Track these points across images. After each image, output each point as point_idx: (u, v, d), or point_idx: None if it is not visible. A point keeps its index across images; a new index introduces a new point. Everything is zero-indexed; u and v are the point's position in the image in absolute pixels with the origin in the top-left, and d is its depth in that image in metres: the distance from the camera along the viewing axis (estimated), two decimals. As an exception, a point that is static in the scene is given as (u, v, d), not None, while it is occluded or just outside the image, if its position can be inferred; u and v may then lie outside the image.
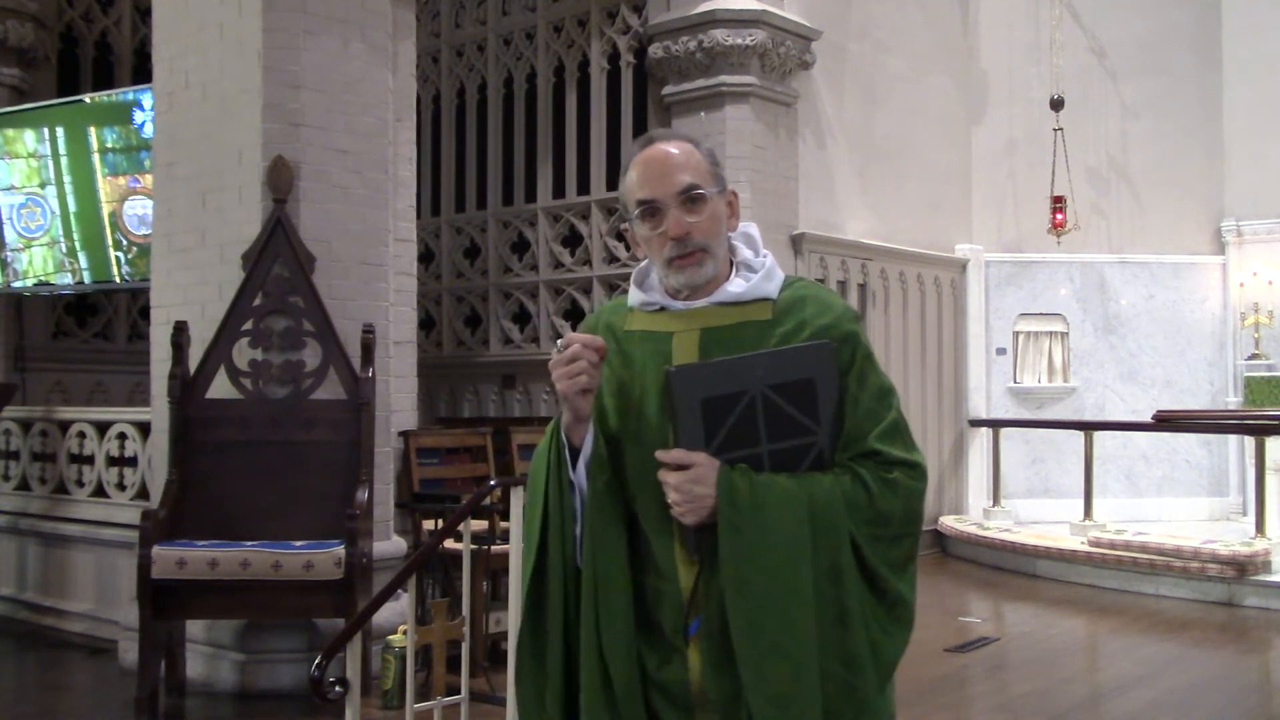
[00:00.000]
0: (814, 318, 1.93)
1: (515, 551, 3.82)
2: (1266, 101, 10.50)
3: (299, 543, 4.99)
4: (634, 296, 2.04)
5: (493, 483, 4.40)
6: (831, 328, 1.92)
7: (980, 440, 10.49)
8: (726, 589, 1.82)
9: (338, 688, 3.65)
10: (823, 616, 1.83)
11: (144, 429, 6.21)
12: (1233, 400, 10.51)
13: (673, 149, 1.95)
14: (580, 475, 1.93)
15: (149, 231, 6.42)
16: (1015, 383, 10.65)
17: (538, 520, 1.96)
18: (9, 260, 7.63)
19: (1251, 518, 8.56)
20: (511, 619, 3.81)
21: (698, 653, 1.88)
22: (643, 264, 2.06)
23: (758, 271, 1.98)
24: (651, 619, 1.93)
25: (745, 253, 2.02)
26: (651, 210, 1.93)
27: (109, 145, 7.13)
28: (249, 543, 4.94)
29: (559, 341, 1.87)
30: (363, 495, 5.14)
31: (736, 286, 1.96)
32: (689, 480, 1.83)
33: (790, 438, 1.87)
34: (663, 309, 1.99)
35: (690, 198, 1.91)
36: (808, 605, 1.81)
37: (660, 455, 1.86)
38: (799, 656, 1.80)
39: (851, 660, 1.84)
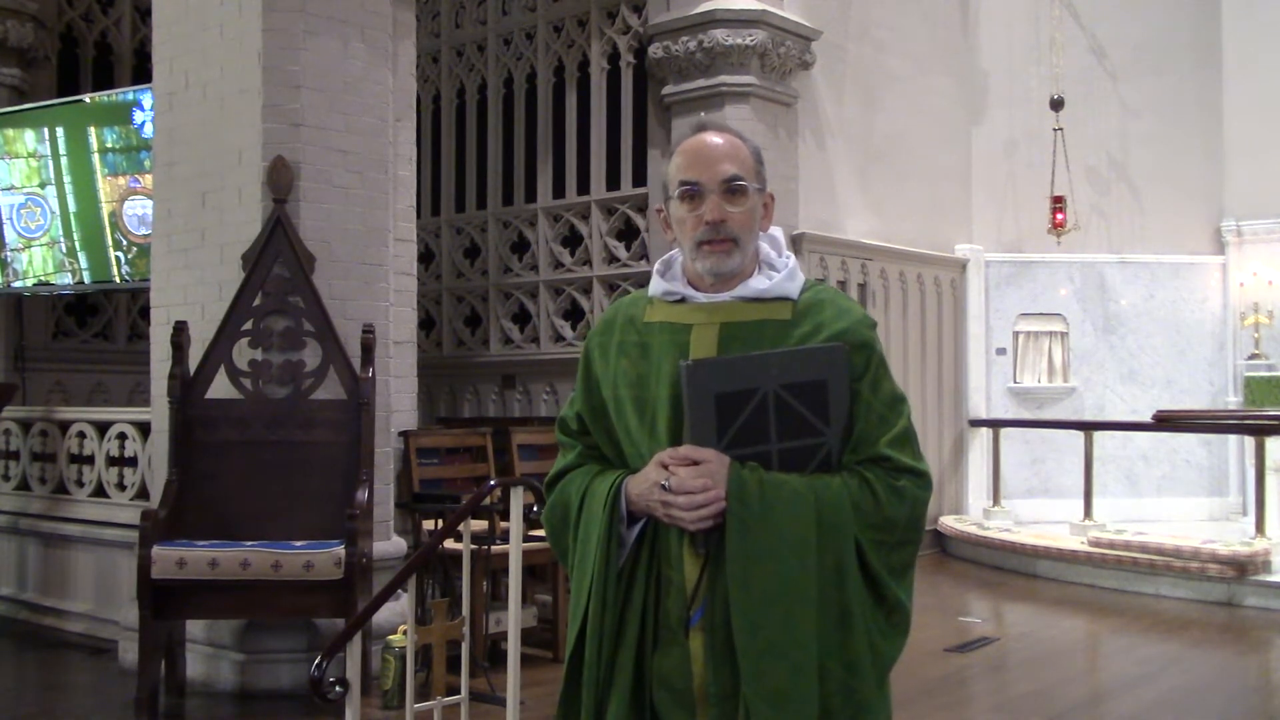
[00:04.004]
0: (831, 322, 1.96)
1: (515, 551, 3.82)
2: (1266, 101, 10.50)
3: (299, 543, 4.99)
4: (655, 286, 2.06)
5: (493, 483, 4.39)
6: (848, 333, 1.95)
7: (980, 440, 10.49)
8: (730, 585, 1.84)
9: (338, 688, 3.65)
10: (825, 617, 1.85)
11: (144, 429, 6.21)
12: (1233, 400, 10.50)
13: (722, 139, 1.99)
14: (628, 536, 1.95)
15: (149, 231, 6.42)
16: (1015, 383, 10.65)
17: (585, 589, 1.97)
18: (9, 260, 7.63)
19: (1251, 518, 8.55)
20: (511, 619, 3.81)
21: (699, 644, 1.90)
22: (667, 255, 2.09)
23: (780, 271, 2.01)
24: (660, 607, 1.94)
25: (769, 252, 2.05)
26: (692, 193, 1.96)
27: (109, 145, 7.13)
28: (249, 543, 4.94)
29: (671, 481, 1.87)
30: (363, 495, 5.14)
31: (760, 283, 1.99)
32: (700, 476, 1.85)
33: (800, 437, 1.89)
34: (683, 300, 2.01)
35: (732, 188, 1.95)
36: (810, 605, 1.84)
37: (671, 452, 1.88)
38: (797, 656, 1.82)
39: (853, 663, 1.86)
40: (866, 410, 1.93)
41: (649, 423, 1.96)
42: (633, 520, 1.94)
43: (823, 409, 1.89)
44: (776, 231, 2.07)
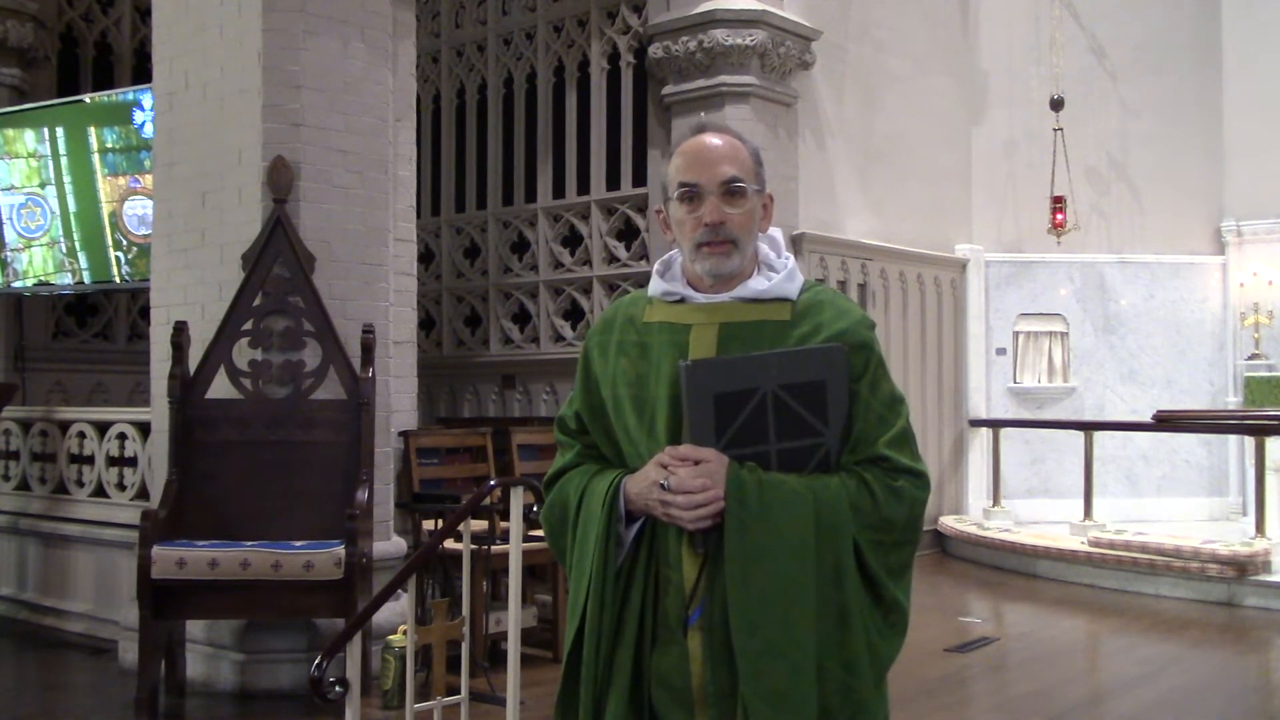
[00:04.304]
0: (831, 322, 1.96)
1: (515, 551, 3.82)
2: (1266, 101, 10.50)
3: (299, 543, 4.99)
4: (655, 286, 2.06)
5: (493, 483, 4.39)
6: (847, 333, 1.95)
7: (980, 440, 10.49)
8: (729, 585, 1.84)
9: (338, 688, 3.65)
10: (824, 617, 1.86)
11: (144, 429, 6.21)
12: (1233, 400, 10.50)
13: (721, 141, 2.00)
14: (627, 535, 1.96)
15: (149, 231, 6.42)
16: (1015, 383, 10.65)
17: (583, 588, 1.98)
18: (9, 260, 7.63)
19: (1251, 518, 8.55)
20: (511, 619, 3.81)
21: (698, 643, 1.90)
22: (667, 255, 2.10)
23: (779, 272, 2.01)
24: (658, 606, 1.95)
25: (768, 253, 2.05)
26: (692, 194, 1.96)
27: (109, 145, 7.13)
28: (249, 543, 4.94)
29: (670, 480, 1.88)
30: (363, 495, 5.14)
31: (759, 284, 1.99)
32: (698, 476, 1.86)
33: (799, 438, 1.89)
34: (683, 300, 2.02)
35: (731, 190, 1.96)
36: (809, 605, 1.84)
37: (670, 451, 1.89)
38: (796, 656, 1.82)
39: (851, 662, 1.87)
40: (865, 410, 1.93)
41: (648, 422, 1.97)
42: (631, 519, 1.94)
43: (821, 409, 1.89)
44: (776, 232, 2.08)
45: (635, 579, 1.94)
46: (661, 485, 1.87)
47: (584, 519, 1.99)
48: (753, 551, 1.84)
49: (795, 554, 1.85)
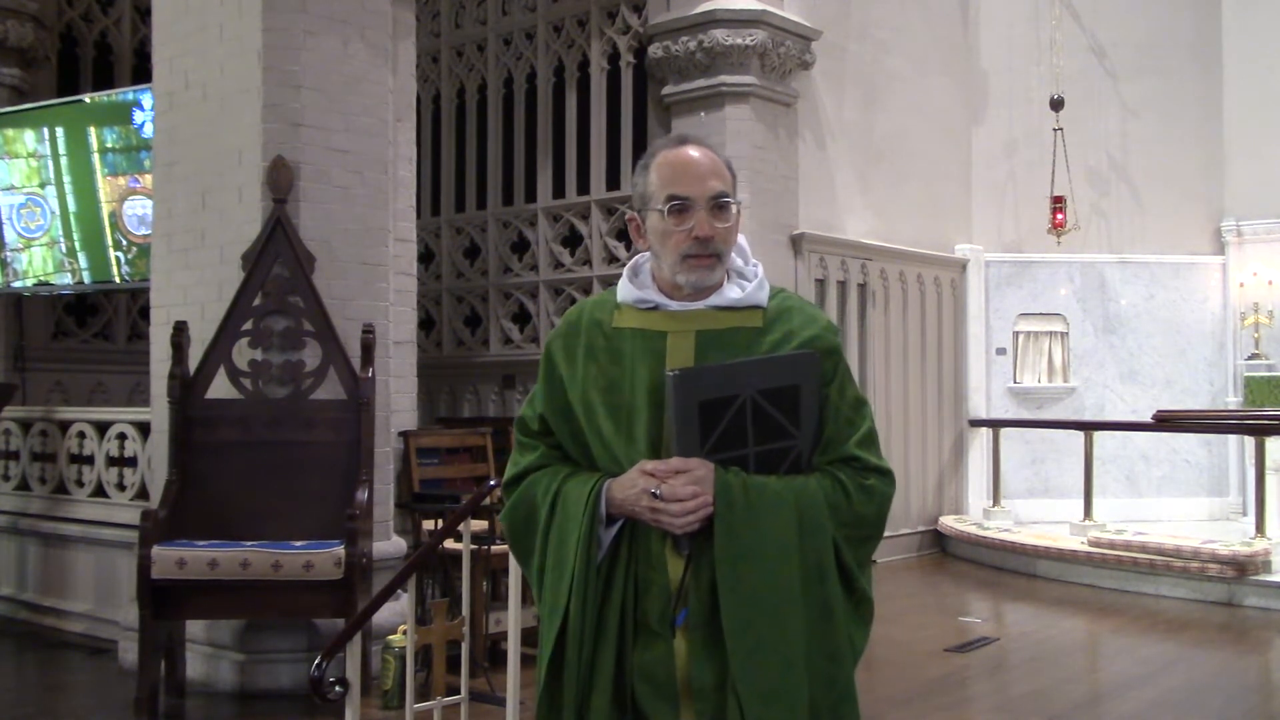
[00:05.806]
0: (800, 329, 2.02)
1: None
2: (1266, 101, 10.50)
3: (299, 543, 4.99)
4: (626, 292, 2.07)
5: (493, 483, 4.38)
6: (817, 339, 2.01)
7: (980, 440, 10.49)
8: (720, 586, 1.89)
9: (338, 688, 3.65)
10: (810, 613, 1.92)
11: (144, 429, 6.21)
12: (1233, 400, 10.51)
13: (705, 156, 2.03)
14: (606, 537, 1.97)
15: (149, 231, 6.42)
16: (1015, 383, 10.65)
17: (563, 590, 1.98)
18: (9, 260, 7.63)
19: (1251, 518, 8.56)
20: (511, 619, 3.81)
21: (684, 642, 1.93)
22: (635, 260, 2.11)
23: (751, 280, 2.06)
24: (638, 606, 1.97)
25: (736, 261, 2.09)
26: (682, 207, 1.98)
27: (109, 145, 7.13)
28: (249, 543, 4.94)
29: (662, 489, 1.89)
30: (363, 495, 5.14)
31: (733, 292, 2.03)
32: (689, 484, 1.90)
33: (774, 440, 1.96)
34: (656, 307, 2.04)
35: (719, 204, 1.99)
36: (796, 602, 1.90)
37: (657, 464, 1.92)
38: (788, 652, 1.88)
39: (834, 654, 1.93)
40: (835, 413, 2.01)
41: (625, 428, 1.99)
42: (610, 522, 1.97)
43: (794, 413, 1.96)
44: (742, 240, 2.11)
45: (615, 579, 1.97)
46: (653, 494, 1.89)
47: (560, 521, 2.00)
48: (742, 552, 1.89)
49: (781, 553, 1.90)
